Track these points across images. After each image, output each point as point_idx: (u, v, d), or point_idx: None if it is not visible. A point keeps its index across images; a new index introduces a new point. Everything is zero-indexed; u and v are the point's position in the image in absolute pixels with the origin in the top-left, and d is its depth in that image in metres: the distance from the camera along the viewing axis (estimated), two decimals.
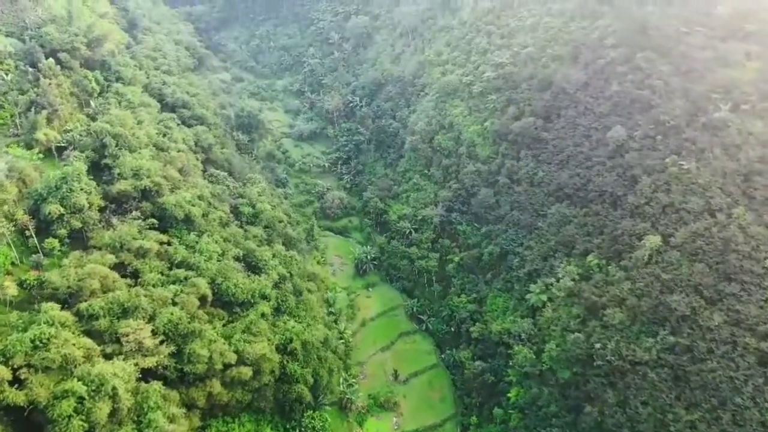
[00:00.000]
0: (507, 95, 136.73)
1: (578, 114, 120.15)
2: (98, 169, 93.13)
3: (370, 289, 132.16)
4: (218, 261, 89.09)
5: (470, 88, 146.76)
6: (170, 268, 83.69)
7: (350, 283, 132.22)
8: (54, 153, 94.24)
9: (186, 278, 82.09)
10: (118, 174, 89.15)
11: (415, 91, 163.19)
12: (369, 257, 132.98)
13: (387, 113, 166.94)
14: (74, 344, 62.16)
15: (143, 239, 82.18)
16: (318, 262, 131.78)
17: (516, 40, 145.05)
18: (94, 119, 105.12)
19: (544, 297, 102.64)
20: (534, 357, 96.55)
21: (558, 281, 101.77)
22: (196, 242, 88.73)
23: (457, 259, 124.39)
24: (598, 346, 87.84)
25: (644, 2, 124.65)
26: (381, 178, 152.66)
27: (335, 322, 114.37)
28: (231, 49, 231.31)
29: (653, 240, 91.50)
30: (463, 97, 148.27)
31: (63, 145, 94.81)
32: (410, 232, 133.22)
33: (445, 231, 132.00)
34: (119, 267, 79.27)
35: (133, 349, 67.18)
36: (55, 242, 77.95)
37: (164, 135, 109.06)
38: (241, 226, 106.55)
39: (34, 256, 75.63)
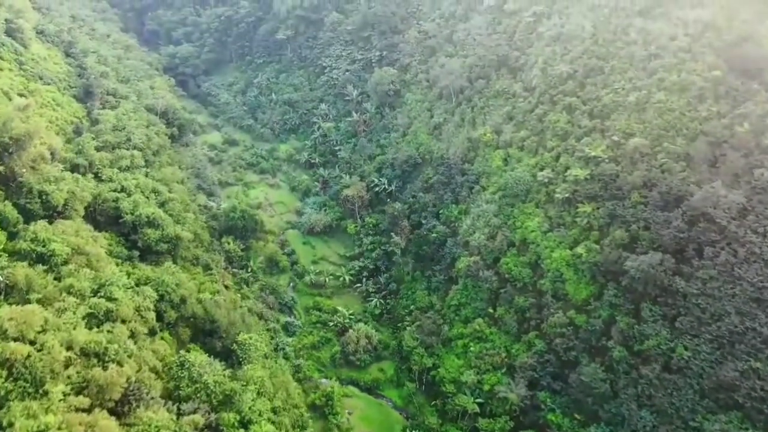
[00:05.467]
0: (609, 208, 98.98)
1: (738, 260, 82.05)
2: None
3: None
4: None
5: (549, 189, 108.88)
6: None
7: None
8: None
9: None
10: None
11: (467, 182, 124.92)
12: None
13: (427, 209, 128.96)
14: None
15: None
16: None
17: (613, 122, 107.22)
18: None
19: None
20: None
21: None
22: None
23: None
24: None
25: None
26: (424, 313, 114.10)
27: None
28: (223, 101, 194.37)
29: None
30: (538, 201, 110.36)
31: None
32: (476, 417, 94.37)
33: (528, 416, 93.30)
34: None
35: None
36: None
37: (104, 317, 70.87)
38: None
39: None
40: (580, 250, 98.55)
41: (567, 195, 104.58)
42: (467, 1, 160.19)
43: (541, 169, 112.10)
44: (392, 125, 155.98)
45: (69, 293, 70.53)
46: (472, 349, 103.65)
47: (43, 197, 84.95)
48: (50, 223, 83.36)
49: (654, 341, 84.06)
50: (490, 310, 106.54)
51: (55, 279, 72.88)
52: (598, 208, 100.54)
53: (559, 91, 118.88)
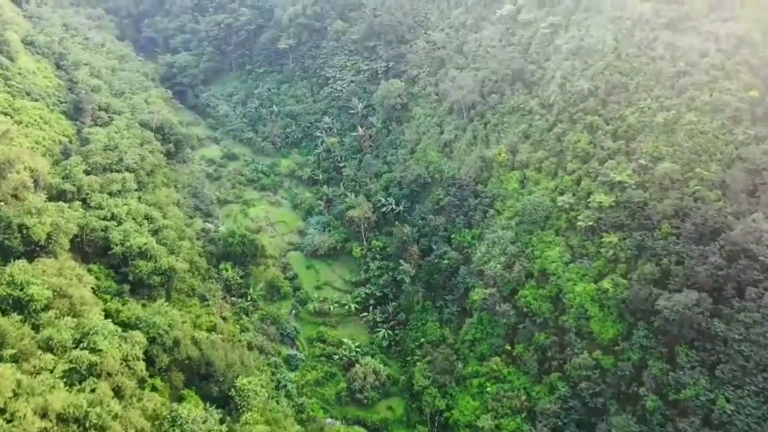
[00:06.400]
0: (637, 239, 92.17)
1: None
2: None
3: None
4: None
5: (570, 215, 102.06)
6: None
7: None
8: None
9: None
10: None
11: (480, 205, 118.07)
12: None
13: (438, 233, 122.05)
14: None
15: None
16: None
17: (639, 144, 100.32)
18: None
19: None
20: None
21: None
22: None
23: None
24: None
25: None
26: (436, 347, 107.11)
27: None
28: (222, 112, 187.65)
29: None
30: (559, 228, 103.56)
31: None
32: None
33: None
34: None
35: None
36: None
37: (87, 371, 64.16)
38: None
39: None
40: (606, 284, 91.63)
41: (590, 223, 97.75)
42: (478, 10, 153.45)
43: (561, 194, 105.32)
44: (399, 141, 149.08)
45: (47, 347, 63.84)
46: (488, 389, 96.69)
47: (24, 231, 78.32)
48: (31, 260, 77.07)
49: (692, 391, 77.08)
50: (508, 347, 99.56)
51: (32, 328, 66.20)
52: (624, 239, 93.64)
53: (580, 108, 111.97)
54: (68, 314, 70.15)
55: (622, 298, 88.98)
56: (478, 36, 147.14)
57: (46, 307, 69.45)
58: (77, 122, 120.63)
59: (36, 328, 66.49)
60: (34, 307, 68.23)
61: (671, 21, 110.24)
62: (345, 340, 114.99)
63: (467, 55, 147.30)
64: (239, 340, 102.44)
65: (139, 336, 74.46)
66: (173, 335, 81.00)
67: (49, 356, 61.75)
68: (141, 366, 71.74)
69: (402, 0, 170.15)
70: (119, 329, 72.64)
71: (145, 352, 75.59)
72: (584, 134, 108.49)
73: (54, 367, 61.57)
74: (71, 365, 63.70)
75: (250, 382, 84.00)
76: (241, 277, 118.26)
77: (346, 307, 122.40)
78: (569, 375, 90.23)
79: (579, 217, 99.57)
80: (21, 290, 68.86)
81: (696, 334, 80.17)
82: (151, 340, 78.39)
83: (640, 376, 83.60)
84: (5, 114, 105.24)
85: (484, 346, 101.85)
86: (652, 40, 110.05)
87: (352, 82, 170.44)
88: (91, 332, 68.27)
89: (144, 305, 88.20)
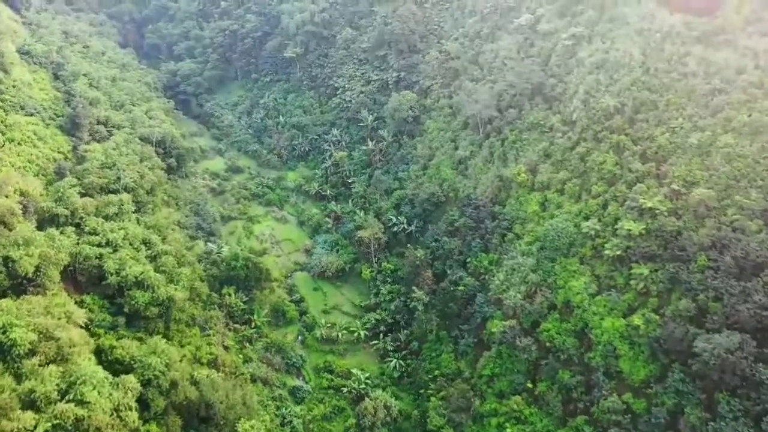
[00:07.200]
0: (670, 272, 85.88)
1: None
2: None
3: None
4: None
5: (596, 243, 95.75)
6: None
7: None
8: None
9: None
10: None
11: (498, 228, 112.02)
12: None
13: (453, 256, 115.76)
14: None
15: None
16: None
17: (672, 168, 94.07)
18: None
19: None
20: None
21: None
22: None
23: None
24: None
25: None
26: (451, 381, 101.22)
27: None
28: (227, 122, 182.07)
29: None
30: (583, 256, 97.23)
31: None
32: None
33: None
34: None
35: None
36: None
37: (73, 427, 58.89)
38: None
39: None
40: (636, 320, 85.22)
41: (618, 252, 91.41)
42: (494, 19, 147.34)
43: (586, 219, 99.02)
44: (411, 156, 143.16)
45: (30, 401, 58.30)
46: (508, 431, 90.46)
47: (9, 265, 72.97)
48: (18, 296, 71.89)
49: None
50: (529, 385, 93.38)
51: (14, 377, 60.85)
52: (656, 271, 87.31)
53: (605, 126, 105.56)
54: (55, 359, 65.06)
55: (654, 336, 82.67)
56: (495, 46, 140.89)
57: (31, 352, 64.22)
58: (74, 137, 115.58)
59: (18, 377, 61.10)
60: (16, 352, 62.95)
61: (704, 34, 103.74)
62: (354, 370, 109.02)
63: (483, 67, 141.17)
64: (242, 373, 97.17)
65: (132, 381, 69.30)
66: (170, 377, 75.55)
67: (29, 414, 56.10)
68: (133, 417, 66.40)
69: (414, 8, 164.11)
70: (110, 376, 67.30)
71: (140, 396, 70.44)
72: (610, 154, 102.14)
73: (35, 426, 55.99)
74: (55, 421, 58.17)
75: (252, 426, 78.80)
76: (244, 303, 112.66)
77: (356, 334, 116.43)
78: (597, 418, 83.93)
79: (606, 246, 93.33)
80: (3, 333, 63.51)
81: (739, 381, 73.71)
82: (146, 383, 73.34)
83: (676, 423, 77.31)
84: None
85: (504, 382, 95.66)
86: (684, 54, 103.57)
87: (361, 92, 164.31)
88: (78, 381, 62.88)
89: (140, 339, 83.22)
